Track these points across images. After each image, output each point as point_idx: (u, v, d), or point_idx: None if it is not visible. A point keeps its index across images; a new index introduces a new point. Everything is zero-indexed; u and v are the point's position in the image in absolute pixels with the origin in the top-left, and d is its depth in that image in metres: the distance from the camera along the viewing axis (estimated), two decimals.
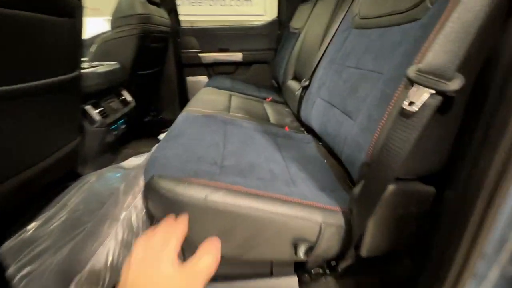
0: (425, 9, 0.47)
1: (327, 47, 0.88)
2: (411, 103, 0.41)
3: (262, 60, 1.99)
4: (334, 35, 0.86)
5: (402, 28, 0.52)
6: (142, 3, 1.31)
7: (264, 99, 1.48)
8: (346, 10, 0.84)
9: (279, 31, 1.94)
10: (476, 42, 0.36)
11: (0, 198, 0.61)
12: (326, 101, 0.77)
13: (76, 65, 0.84)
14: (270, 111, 1.22)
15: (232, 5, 3.63)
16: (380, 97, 0.49)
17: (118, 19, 1.25)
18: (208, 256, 0.29)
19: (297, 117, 1.12)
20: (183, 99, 2.07)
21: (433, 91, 0.38)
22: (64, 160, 0.92)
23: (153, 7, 1.44)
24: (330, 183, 0.66)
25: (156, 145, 0.79)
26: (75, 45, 0.79)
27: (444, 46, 0.38)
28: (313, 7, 1.29)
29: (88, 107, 1.03)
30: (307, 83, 0.93)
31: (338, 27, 0.85)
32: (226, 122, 0.90)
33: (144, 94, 1.69)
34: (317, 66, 0.90)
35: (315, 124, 0.83)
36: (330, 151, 0.85)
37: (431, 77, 0.39)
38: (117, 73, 1.20)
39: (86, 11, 0.80)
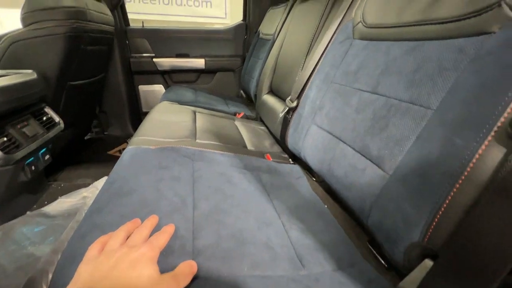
0: (501, 17, 0.32)
1: (318, 61, 0.71)
2: None
3: (228, 68, 1.78)
4: (327, 46, 0.69)
5: (452, 44, 0.37)
6: None
7: (235, 114, 1.27)
8: (342, 15, 0.68)
9: (246, 36, 1.75)
10: None
11: None
12: (326, 132, 0.60)
13: None
14: (245, 132, 1.01)
15: (190, 5, 3.34)
16: (441, 149, 0.32)
17: (34, 13, 0.91)
18: (187, 267, 0.32)
19: (278, 140, 0.94)
20: (135, 111, 1.75)
21: None
22: None
23: (89, 1, 1.13)
24: (345, 251, 0.48)
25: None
26: None
27: None
28: (289, 11, 1.13)
29: None
30: (294, 104, 0.75)
31: (333, 36, 0.68)
32: (193, 158, 0.67)
33: (82, 109, 1.34)
34: (306, 83, 0.73)
35: (311, 158, 0.65)
36: (329, 189, 0.68)
37: None
38: (34, 85, 0.87)
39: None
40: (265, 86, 1.13)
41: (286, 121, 0.80)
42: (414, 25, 0.45)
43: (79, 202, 0.98)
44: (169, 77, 1.76)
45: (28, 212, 0.92)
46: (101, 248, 0.32)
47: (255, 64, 1.40)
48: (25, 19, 0.92)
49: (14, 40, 0.90)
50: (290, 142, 0.76)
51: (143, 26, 1.64)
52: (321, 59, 0.70)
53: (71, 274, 0.31)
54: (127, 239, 0.34)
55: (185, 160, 0.64)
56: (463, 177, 0.29)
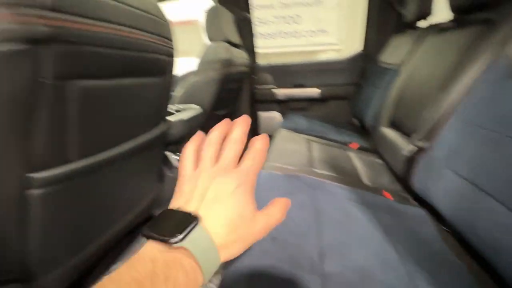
0: None
1: (458, 100, 0.65)
2: None
3: (341, 96, 1.81)
4: (472, 84, 0.63)
5: None
6: (226, 48, 1.33)
7: (347, 144, 1.28)
8: (493, 51, 0.61)
9: (363, 63, 1.74)
10: None
11: (71, 270, 0.57)
12: (467, 181, 0.54)
13: (164, 118, 0.83)
14: (359, 165, 1.01)
15: (305, 36, 3.61)
16: None
17: (203, 64, 1.28)
18: (280, 202, 0.27)
19: (398, 177, 0.89)
20: (254, 133, 2.03)
21: None
22: (143, 212, 0.91)
23: (234, 49, 1.46)
24: None
25: None
26: (164, 99, 0.78)
27: None
28: (420, 40, 1.07)
29: (168, 153, 1.03)
30: (423, 143, 0.71)
31: (480, 74, 0.62)
32: (313, 187, 0.75)
33: None
34: (440, 122, 0.68)
35: (443, 206, 0.60)
36: (463, 242, 0.59)
37: None
38: (199, 117, 1.21)
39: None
40: (385, 119, 1.10)
41: (411, 160, 0.76)
42: None
43: None
44: (285, 105, 1.96)
45: None
46: (195, 161, 0.27)
47: (372, 93, 1.37)
48: (198, 69, 1.29)
49: (189, 84, 1.29)
50: (416, 183, 0.72)
51: (268, 63, 1.94)
52: (463, 98, 0.64)
53: (241, 271, 0.44)
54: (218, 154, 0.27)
55: (307, 189, 0.73)
56: None
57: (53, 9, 0.35)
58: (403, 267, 0.50)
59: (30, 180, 0.38)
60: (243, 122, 0.28)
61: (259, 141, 0.27)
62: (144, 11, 0.54)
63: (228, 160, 0.26)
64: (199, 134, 0.29)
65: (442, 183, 0.61)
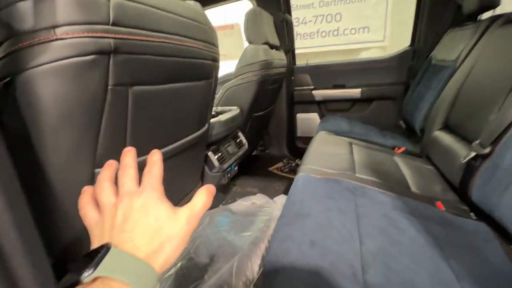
0: None
1: None
2: None
3: (387, 96, 1.69)
4: None
5: None
6: (265, 49, 1.35)
7: (393, 148, 1.20)
8: None
9: (413, 61, 1.61)
10: None
11: None
12: None
13: (207, 119, 0.87)
14: (407, 171, 0.94)
15: (346, 34, 3.46)
16: None
17: (242, 67, 1.31)
18: (203, 190, 0.27)
19: (453, 186, 0.80)
20: (291, 135, 2.02)
21: None
22: None
23: (273, 51, 1.47)
24: None
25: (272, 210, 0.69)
26: (209, 102, 0.82)
27: None
28: (482, 34, 0.95)
29: (210, 153, 1.07)
30: (487, 150, 0.63)
31: None
32: (354, 192, 0.71)
33: (256, 133, 1.72)
34: (508, 127, 0.60)
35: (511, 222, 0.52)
36: None
37: None
38: (237, 118, 1.24)
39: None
40: (439, 121, 1.00)
41: (471, 168, 0.68)
42: None
43: (250, 206, 1.26)
44: (324, 106, 1.90)
45: (220, 205, 1.30)
46: (94, 206, 0.27)
47: (424, 93, 1.26)
48: (236, 72, 1.33)
49: (229, 87, 1.33)
50: (477, 194, 0.64)
51: (307, 63, 1.90)
52: None
53: (276, 274, 0.44)
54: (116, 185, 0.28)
55: (347, 194, 0.70)
56: None
57: (115, 24, 0.40)
58: (458, 286, 0.45)
59: (96, 175, 0.43)
60: (126, 152, 0.29)
61: (153, 154, 0.29)
62: (193, 20, 0.58)
63: (126, 185, 0.27)
64: (87, 188, 0.28)
65: (509, 196, 0.54)
